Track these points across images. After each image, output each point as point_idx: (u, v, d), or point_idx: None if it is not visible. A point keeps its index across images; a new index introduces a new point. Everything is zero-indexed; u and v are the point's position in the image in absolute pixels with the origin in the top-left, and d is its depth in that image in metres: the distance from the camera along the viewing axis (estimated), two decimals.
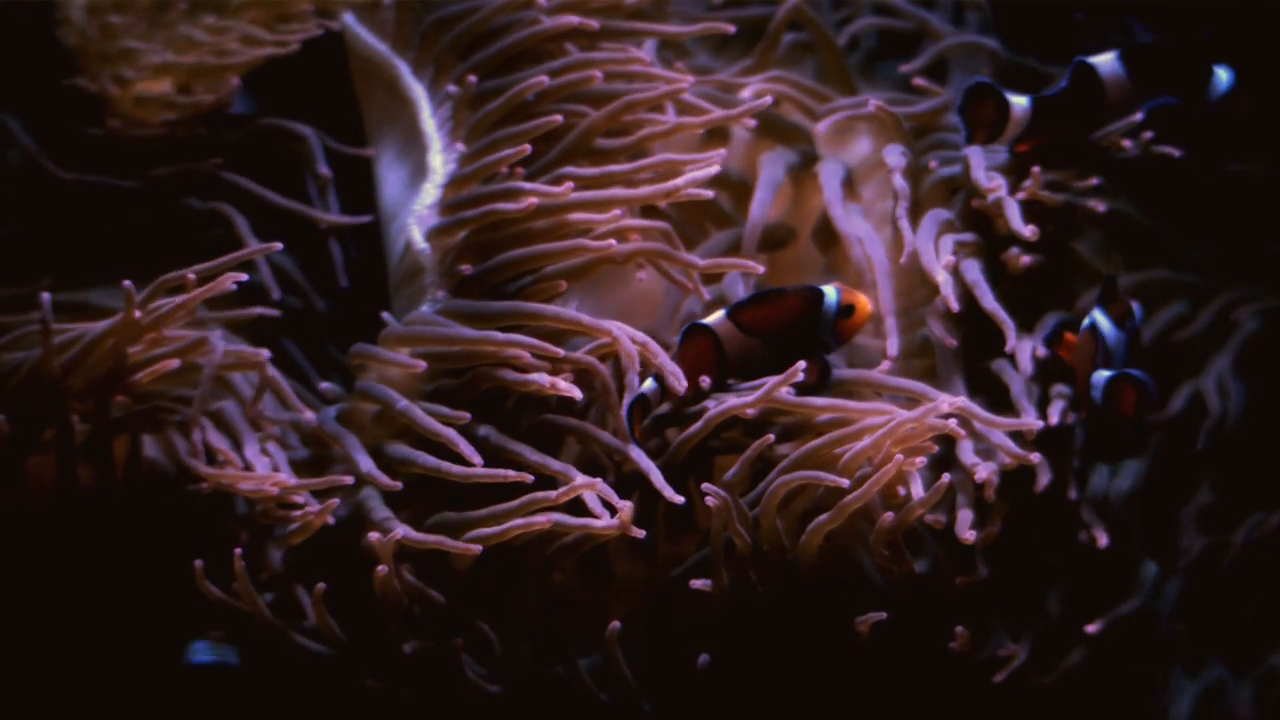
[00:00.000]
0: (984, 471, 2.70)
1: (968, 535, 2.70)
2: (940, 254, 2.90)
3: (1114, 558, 2.90)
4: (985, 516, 2.76)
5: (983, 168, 2.95)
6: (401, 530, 2.63)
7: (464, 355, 2.76)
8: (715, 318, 2.82)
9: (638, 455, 2.67)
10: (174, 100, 3.18)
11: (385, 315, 2.89)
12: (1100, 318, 2.82)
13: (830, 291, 2.81)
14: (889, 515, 2.63)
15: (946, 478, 2.64)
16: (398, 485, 2.68)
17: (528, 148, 2.87)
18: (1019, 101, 2.99)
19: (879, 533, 2.64)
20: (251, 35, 3.18)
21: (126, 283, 2.64)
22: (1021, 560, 2.86)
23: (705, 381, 2.76)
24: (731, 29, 3.15)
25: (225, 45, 3.16)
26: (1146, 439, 3.02)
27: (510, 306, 2.78)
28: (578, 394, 2.68)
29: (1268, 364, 3.07)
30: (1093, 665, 2.89)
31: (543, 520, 2.59)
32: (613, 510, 2.61)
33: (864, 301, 2.83)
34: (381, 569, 2.60)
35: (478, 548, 2.59)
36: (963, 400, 2.71)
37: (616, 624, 2.63)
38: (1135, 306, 2.86)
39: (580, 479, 2.62)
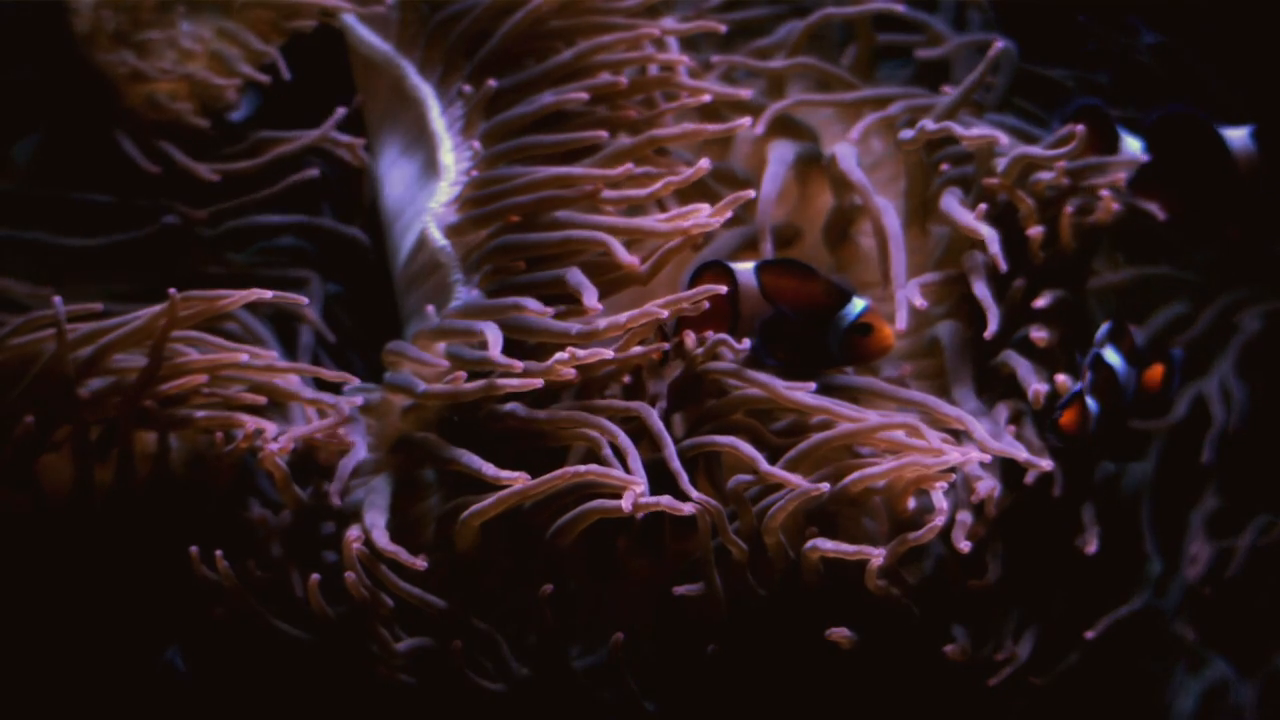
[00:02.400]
0: (983, 490, 2.69)
1: (963, 545, 2.66)
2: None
3: (1119, 556, 2.91)
4: (979, 517, 2.74)
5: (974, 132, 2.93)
6: (376, 535, 2.62)
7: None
8: (743, 266, 2.74)
9: (656, 423, 2.62)
10: (181, 103, 3.18)
11: (429, 309, 2.87)
12: (1111, 355, 2.80)
13: (858, 302, 2.71)
14: (878, 557, 2.58)
15: (939, 521, 2.58)
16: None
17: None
18: (1132, 144, 2.93)
19: (871, 571, 2.59)
20: (252, 47, 3.19)
21: (172, 291, 2.63)
22: (1027, 558, 2.86)
23: (689, 338, 2.67)
24: (723, 28, 3.13)
25: (227, 54, 3.17)
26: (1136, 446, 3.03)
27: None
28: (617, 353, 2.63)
29: (1270, 365, 3.09)
30: (1098, 662, 2.90)
31: (572, 473, 2.57)
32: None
33: (887, 332, 2.71)
34: (349, 575, 2.59)
35: (423, 564, 2.57)
36: (972, 439, 2.66)
37: (620, 635, 2.62)
38: (1136, 333, 2.85)
39: (619, 442, 2.60)
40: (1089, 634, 2.85)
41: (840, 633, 2.61)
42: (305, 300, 2.81)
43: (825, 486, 2.58)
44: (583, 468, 2.57)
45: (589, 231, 2.79)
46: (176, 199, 3.20)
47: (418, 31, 3.17)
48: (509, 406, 2.71)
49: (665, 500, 2.53)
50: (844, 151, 3.03)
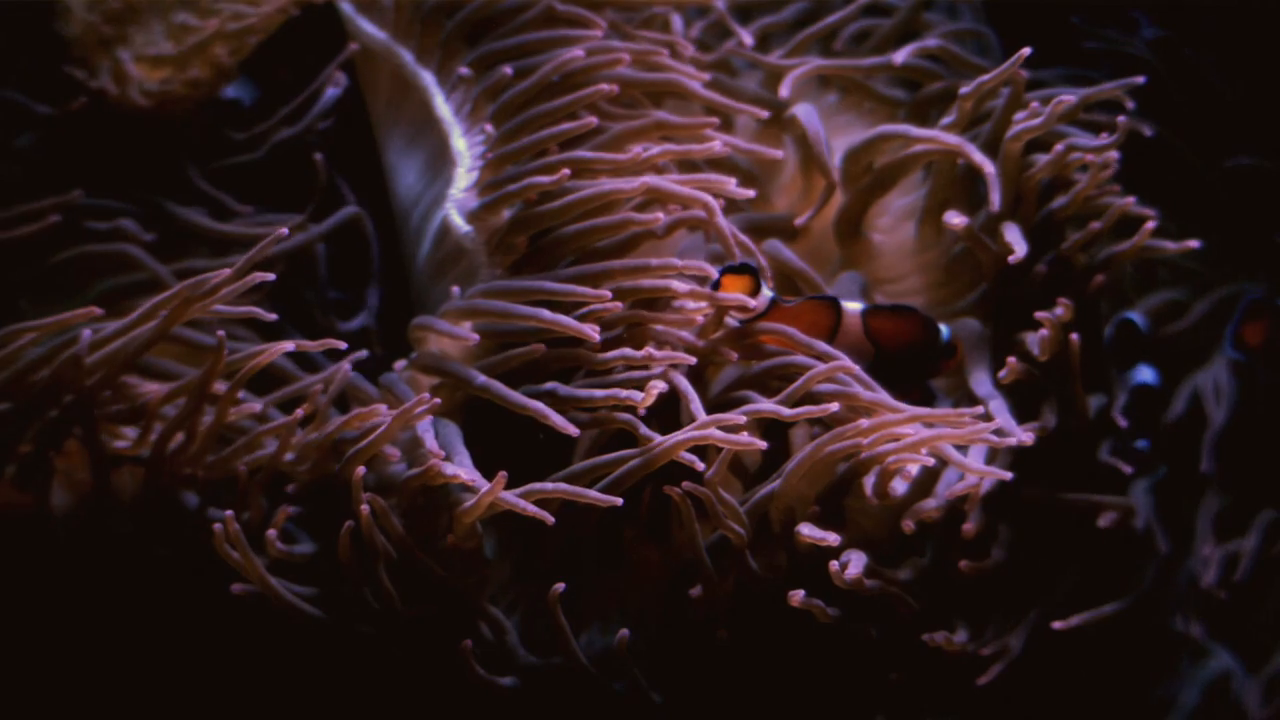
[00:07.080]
0: (961, 486, 2.71)
1: (907, 525, 2.67)
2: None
3: (1122, 546, 2.93)
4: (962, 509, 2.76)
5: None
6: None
7: (530, 330, 2.76)
8: (851, 306, 2.84)
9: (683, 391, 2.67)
10: (175, 84, 3.16)
11: (454, 290, 2.87)
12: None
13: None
14: (836, 566, 2.60)
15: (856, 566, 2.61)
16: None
17: (595, 117, 2.89)
18: None
19: (836, 574, 2.60)
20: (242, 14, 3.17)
21: (220, 333, 2.62)
22: (1029, 549, 2.87)
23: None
24: None
25: (224, 25, 3.15)
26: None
27: (575, 272, 2.79)
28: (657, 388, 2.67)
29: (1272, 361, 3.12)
30: (1103, 652, 2.92)
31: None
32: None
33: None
34: (364, 508, 2.58)
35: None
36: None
37: (625, 632, 2.62)
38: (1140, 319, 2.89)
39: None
40: (1057, 624, 2.84)
41: (798, 595, 2.61)
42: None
43: (866, 434, 2.62)
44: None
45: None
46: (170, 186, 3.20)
47: (413, 19, 3.15)
48: (548, 386, 2.72)
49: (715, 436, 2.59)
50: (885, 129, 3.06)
